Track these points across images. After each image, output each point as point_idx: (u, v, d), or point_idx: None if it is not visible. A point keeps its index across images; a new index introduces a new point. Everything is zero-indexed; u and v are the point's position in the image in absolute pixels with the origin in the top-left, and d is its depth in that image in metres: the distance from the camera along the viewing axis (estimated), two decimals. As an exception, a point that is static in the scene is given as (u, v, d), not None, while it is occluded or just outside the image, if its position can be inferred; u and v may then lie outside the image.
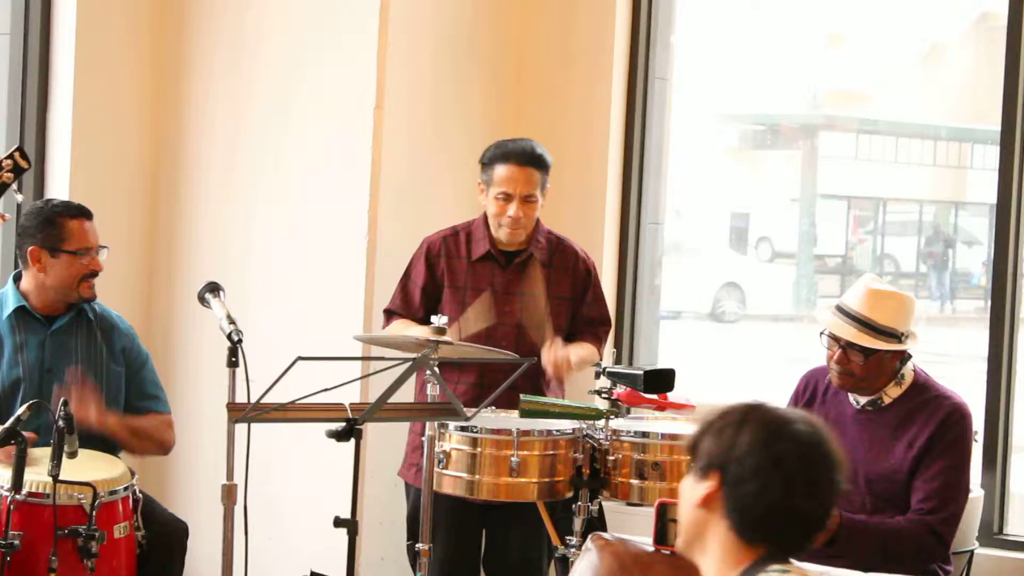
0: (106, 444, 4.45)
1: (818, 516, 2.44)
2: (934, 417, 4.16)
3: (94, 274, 4.50)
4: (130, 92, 5.60)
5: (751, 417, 2.45)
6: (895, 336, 4.13)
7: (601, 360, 4.78)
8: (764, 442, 2.41)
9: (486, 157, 4.76)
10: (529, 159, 4.69)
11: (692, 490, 2.48)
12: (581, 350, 4.72)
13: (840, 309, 4.20)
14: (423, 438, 4.57)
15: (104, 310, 4.63)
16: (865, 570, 3.92)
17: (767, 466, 2.40)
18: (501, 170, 4.68)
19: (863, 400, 4.26)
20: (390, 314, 4.81)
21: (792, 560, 2.48)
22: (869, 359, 4.14)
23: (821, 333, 4.23)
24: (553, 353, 4.58)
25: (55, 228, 4.44)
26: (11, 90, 5.39)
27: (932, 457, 4.13)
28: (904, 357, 4.22)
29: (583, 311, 4.84)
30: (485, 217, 4.79)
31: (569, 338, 4.80)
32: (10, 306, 4.48)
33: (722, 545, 2.44)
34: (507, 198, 4.67)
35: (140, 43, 5.61)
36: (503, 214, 4.68)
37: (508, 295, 4.73)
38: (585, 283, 4.85)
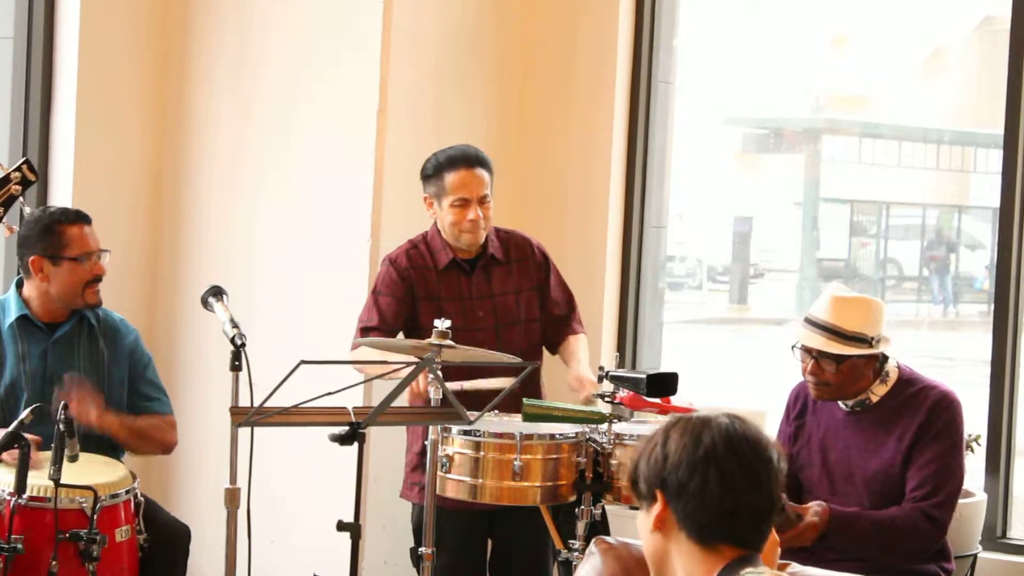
0: (108, 447, 4.45)
1: (763, 500, 2.45)
2: (922, 407, 4.19)
3: (98, 279, 4.49)
4: (133, 96, 5.61)
5: (673, 428, 2.48)
6: (864, 341, 4.14)
7: (583, 334, 4.89)
8: (691, 443, 2.44)
9: (429, 168, 4.72)
10: (477, 161, 4.70)
11: (645, 520, 2.50)
12: (582, 354, 4.76)
13: (808, 320, 4.22)
14: (420, 456, 4.58)
15: (107, 314, 4.63)
16: (865, 564, 3.94)
17: (700, 464, 2.42)
18: (452, 177, 4.66)
19: (851, 402, 4.27)
20: (366, 331, 4.75)
21: (782, 563, 2.48)
22: (841, 366, 4.16)
23: (792, 347, 4.25)
24: (583, 389, 4.61)
25: (55, 235, 4.43)
26: (14, 94, 5.40)
27: (923, 445, 4.16)
28: (881, 359, 4.23)
29: (550, 295, 4.87)
30: (436, 228, 4.77)
31: (544, 328, 4.85)
32: (12, 314, 4.48)
33: (687, 558, 2.45)
34: (464, 203, 4.65)
35: (143, 46, 5.62)
36: (463, 220, 4.66)
37: (480, 300, 4.74)
38: (545, 269, 4.89)
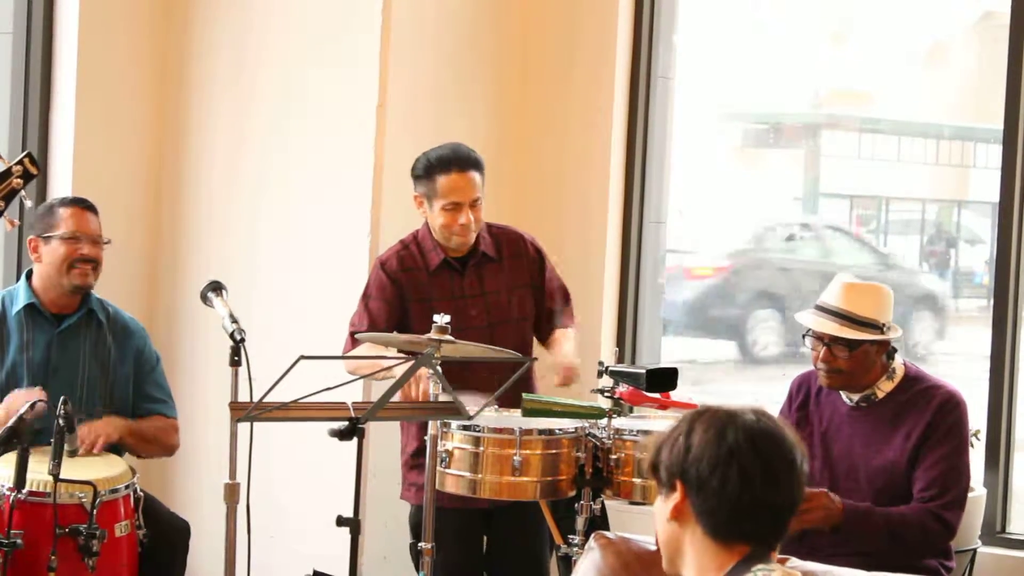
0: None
1: (783, 501, 2.44)
2: (929, 407, 4.20)
3: (86, 261, 4.47)
4: (133, 91, 5.61)
5: (699, 420, 2.47)
6: (876, 327, 4.16)
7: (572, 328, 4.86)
8: (714, 438, 2.43)
9: (420, 170, 4.66)
10: (468, 163, 4.63)
11: (662, 507, 2.50)
12: (569, 344, 4.74)
13: (819, 307, 4.23)
14: (415, 456, 4.58)
15: (117, 312, 4.64)
16: (873, 557, 3.95)
17: (722, 460, 2.41)
18: (443, 181, 4.59)
19: (856, 397, 4.27)
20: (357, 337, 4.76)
21: (781, 557, 2.48)
22: (855, 352, 4.17)
23: (804, 335, 4.25)
24: (563, 372, 4.58)
25: (50, 216, 4.48)
26: (14, 89, 5.40)
27: (930, 446, 4.17)
28: (889, 351, 4.24)
29: (545, 289, 4.85)
30: (427, 227, 4.74)
31: (537, 322, 4.85)
32: (20, 303, 4.49)
33: (701, 551, 2.44)
34: (456, 207, 4.60)
35: (143, 41, 5.61)
36: (454, 223, 4.61)
37: (472, 298, 4.72)
38: (539, 264, 4.86)
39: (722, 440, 2.42)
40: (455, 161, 4.62)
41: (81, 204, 4.53)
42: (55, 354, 4.47)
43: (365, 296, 4.76)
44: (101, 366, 4.51)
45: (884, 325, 4.17)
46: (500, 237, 4.82)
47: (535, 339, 4.90)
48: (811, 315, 4.25)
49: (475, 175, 4.64)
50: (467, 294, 4.71)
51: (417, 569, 4.25)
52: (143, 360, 4.62)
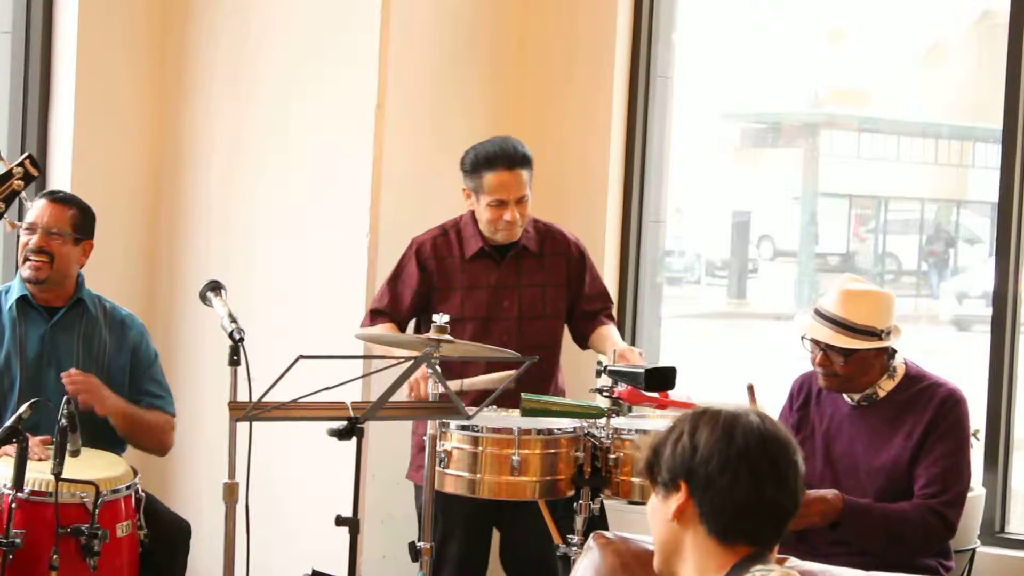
0: (109, 443, 4.45)
1: (788, 502, 2.45)
2: (930, 404, 4.19)
3: (37, 252, 4.43)
4: (132, 91, 5.61)
5: (702, 420, 2.46)
6: (874, 334, 4.14)
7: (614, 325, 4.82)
8: (723, 438, 2.42)
9: (468, 164, 4.67)
10: (516, 161, 4.64)
11: (662, 507, 2.48)
12: (616, 336, 4.74)
13: (817, 312, 4.23)
14: (425, 438, 4.58)
15: (114, 307, 4.63)
16: (872, 557, 3.95)
17: (732, 459, 2.40)
18: (491, 177, 4.61)
19: (857, 396, 4.28)
20: (376, 314, 4.77)
21: (780, 557, 2.48)
22: (850, 359, 4.16)
23: (801, 338, 4.26)
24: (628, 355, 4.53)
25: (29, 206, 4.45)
26: (12, 88, 5.40)
27: (931, 443, 4.16)
28: (889, 352, 4.24)
29: (585, 291, 4.83)
30: (472, 214, 4.75)
31: (571, 322, 4.83)
32: (13, 296, 4.49)
33: (701, 552, 2.44)
34: (501, 204, 4.62)
35: (142, 40, 5.62)
36: (499, 219, 4.63)
37: (506, 289, 4.72)
38: (580, 266, 4.85)
39: (731, 440, 2.41)
40: (502, 158, 4.62)
41: (49, 196, 4.51)
42: (48, 348, 4.47)
43: (394, 276, 4.78)
44: (95, 359, 4.50)
45: (882, 331, 4.16)
46: (545, 233, 4.82)
47: (573, 339, 4.89)
48: (808, 318, 4.25)
49: (522, 172, 4.65)
50: (500, 284, 4.70)
51: (420, 565, 4.25)
52: (140, 355, 4.61)
